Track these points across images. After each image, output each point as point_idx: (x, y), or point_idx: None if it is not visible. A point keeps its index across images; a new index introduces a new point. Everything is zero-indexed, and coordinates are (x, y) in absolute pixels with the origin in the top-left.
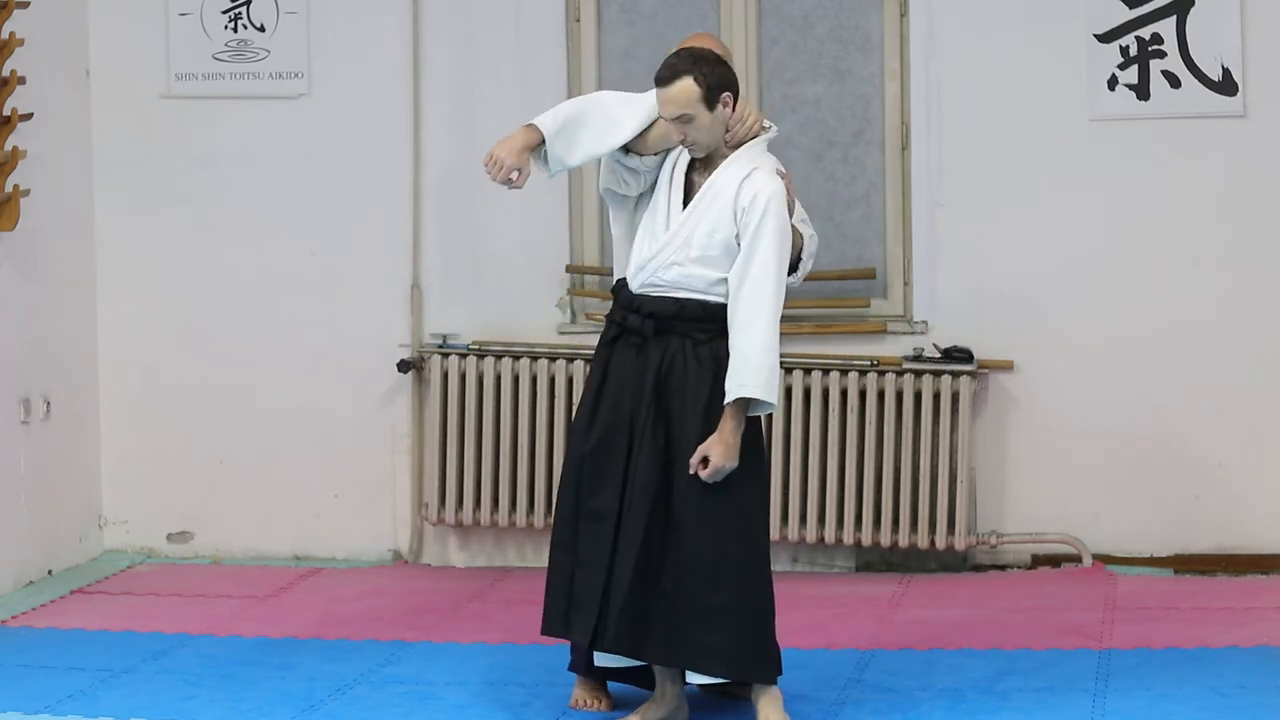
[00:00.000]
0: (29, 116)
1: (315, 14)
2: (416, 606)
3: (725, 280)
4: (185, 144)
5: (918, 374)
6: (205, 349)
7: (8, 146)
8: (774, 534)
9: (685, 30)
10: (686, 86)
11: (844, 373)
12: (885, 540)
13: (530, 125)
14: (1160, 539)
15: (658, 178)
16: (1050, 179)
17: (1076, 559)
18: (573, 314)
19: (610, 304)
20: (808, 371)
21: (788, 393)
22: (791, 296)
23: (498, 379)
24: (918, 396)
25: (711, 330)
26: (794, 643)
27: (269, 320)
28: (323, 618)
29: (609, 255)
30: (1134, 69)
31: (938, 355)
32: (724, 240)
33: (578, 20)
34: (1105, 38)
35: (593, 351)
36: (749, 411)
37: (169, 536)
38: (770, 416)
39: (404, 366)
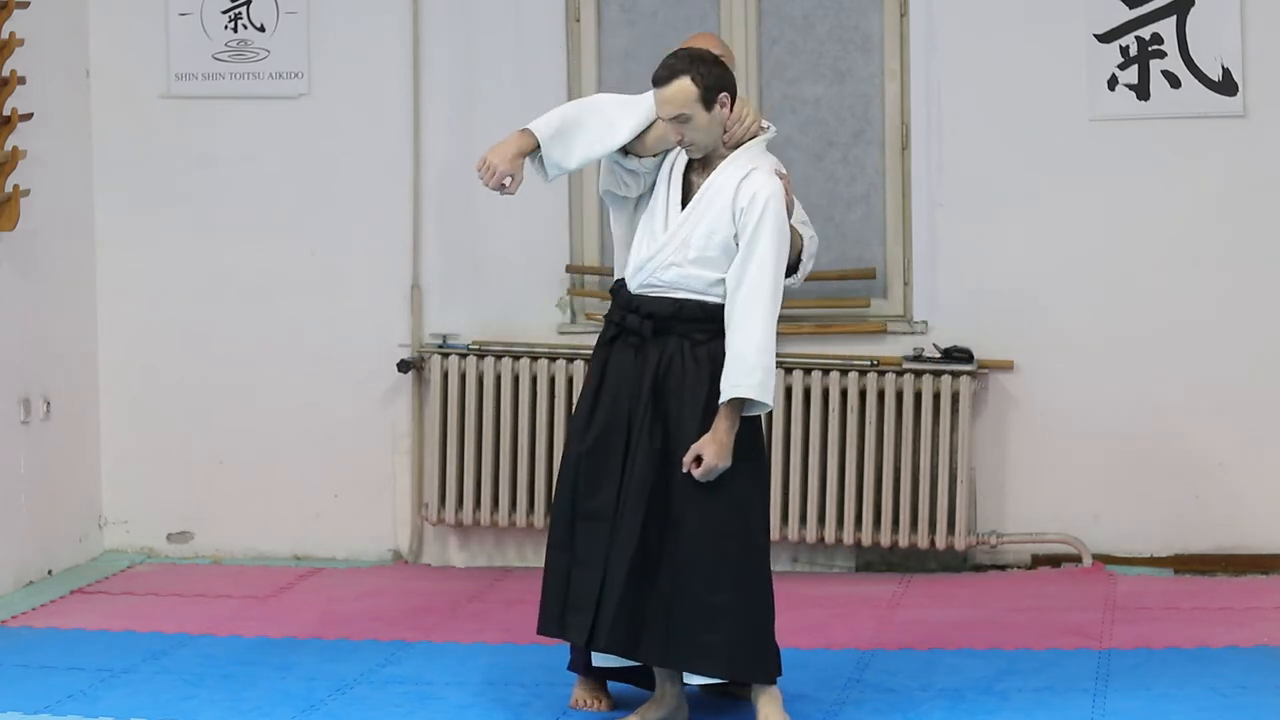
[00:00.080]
0: (29, 116)
1: (315, 14)
2: (416, 606)
3: (723, 281)
4: (185, 144)
5: (918, 374)
6: (205, 349)
7: (8, 146)
8: (774, 534)
9: (685, 30)
10: (683, 87)
11: (844, 373)
12: (885, 540)
13: (525, 130)
14: (1160, 539)
15: (656, 178)
16: (1050, 179)
17: (1076, 559)
18: (573, 314)
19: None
20: (808, 371)
21: (787, 393)
22: (791, 296)
23: (498, 379)
24: (918, 396)
25: (710, 331)
26: (794, 643)
27: (269, 320)
28: (323, 618)
29: (609, 255)
30: (1134, 69)
31: (938, 355)
32: (722, 241)
33: (578, 20)
34: (1105, 38)
35: (592, 352)
36: (745, 412)
37: (169, 536)
38: (770, 416)
39: (404, 366)
